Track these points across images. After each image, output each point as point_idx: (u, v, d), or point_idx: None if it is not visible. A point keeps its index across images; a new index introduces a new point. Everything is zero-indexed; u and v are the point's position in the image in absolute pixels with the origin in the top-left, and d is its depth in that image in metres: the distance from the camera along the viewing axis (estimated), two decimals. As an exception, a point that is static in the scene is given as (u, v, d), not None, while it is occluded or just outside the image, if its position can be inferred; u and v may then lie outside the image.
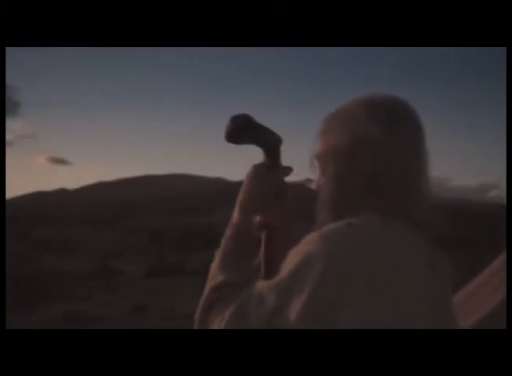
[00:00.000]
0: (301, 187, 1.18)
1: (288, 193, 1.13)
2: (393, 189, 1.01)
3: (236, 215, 1.13)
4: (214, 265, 1.09)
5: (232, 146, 1.13)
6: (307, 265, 0.92)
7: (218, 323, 0.98)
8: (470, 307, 2.48)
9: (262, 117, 1.11)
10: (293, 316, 0.91)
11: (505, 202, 1.85)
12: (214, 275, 1.07)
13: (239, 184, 1.16)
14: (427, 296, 0.97)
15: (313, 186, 1.12)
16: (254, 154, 1.15)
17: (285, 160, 1.15)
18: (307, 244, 0.95)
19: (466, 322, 2.29)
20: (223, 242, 1.11)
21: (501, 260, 2.64)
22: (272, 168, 1.13)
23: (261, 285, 0.98)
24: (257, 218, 1.13)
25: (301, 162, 1.17)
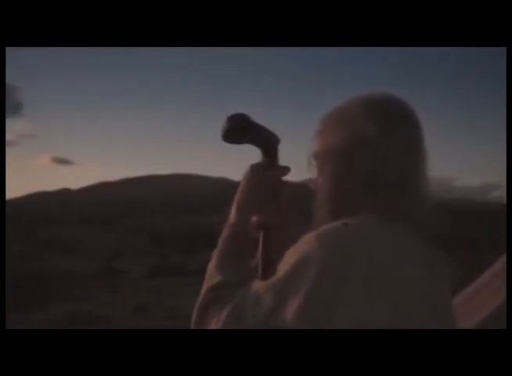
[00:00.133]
0: (298, 187, 1.17)
1: (285, 193, 1.13)
2: (391, 189, 1.00)
3: (232, 215, 1.13)
4: (211, 266, 1.08)
5: (234, 146, 1.12)
6: (304, 265, 0.91)
7: (215, 323, 0.98)
8: (472, 308, 2.46)
9: (262, 117, 1.10)
10: (290, 316, 0.90)
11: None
12: (211, 275, 1.06)
13: (241, 184, 1.14)
14: (426, 296, 0.97)
15: (311, 185, 1.12)
16: (256, 154, 1.14)
17: (284, 160, 1.15)
18: (304, 244, 0.95)
19: (467, 323, 2.28)
20: (220, 242, 1.11)
21: (503, 261, 2.63)
22: (269, 167, 1.12)
23: (258, 285, 0.98)
24: (254, 218, 1.12)
25: (301, 162, 1.17)
